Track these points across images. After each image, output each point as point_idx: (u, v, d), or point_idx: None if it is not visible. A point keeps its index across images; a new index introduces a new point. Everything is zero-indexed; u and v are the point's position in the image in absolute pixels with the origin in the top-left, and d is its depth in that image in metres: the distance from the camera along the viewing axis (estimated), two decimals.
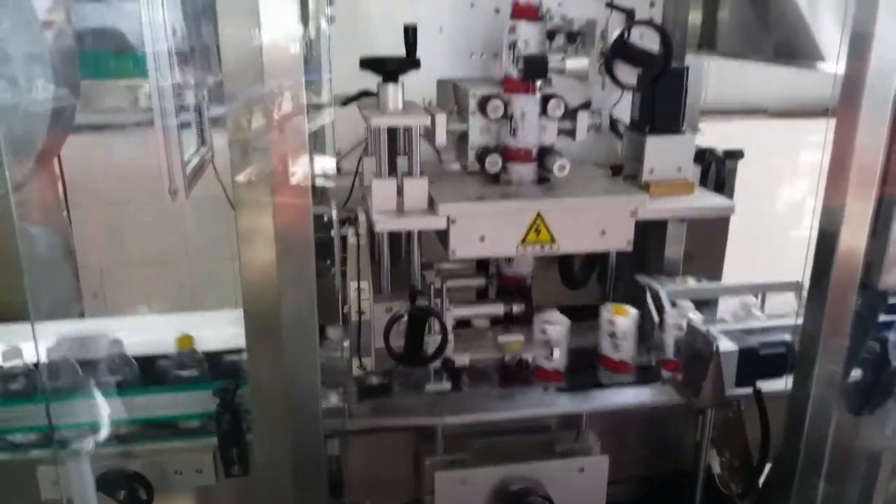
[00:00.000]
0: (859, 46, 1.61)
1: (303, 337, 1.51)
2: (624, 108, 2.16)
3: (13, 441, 1.88)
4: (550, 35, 1.96)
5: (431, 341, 1.90)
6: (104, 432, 1.88)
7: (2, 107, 1.70)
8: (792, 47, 2.10)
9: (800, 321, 1.89)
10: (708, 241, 2.51)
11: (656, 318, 2.16)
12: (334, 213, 1.89)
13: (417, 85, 1.96)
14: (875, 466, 2.30)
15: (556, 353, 2.04)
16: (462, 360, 1.97)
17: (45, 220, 3.11)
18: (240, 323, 1.50)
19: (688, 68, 2.01)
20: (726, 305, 2.35)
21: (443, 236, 1.86)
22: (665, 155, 2.01)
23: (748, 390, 2.00)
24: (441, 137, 1.88)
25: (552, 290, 2.32)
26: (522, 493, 1.93)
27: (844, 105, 1.67)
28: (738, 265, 2.65)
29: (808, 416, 1.87)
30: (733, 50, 2.35)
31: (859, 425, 2.21)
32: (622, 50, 1.85)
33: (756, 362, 2.00)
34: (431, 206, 1.84)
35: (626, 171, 2.10)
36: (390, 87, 1.81)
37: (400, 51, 1.84)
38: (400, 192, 1.83)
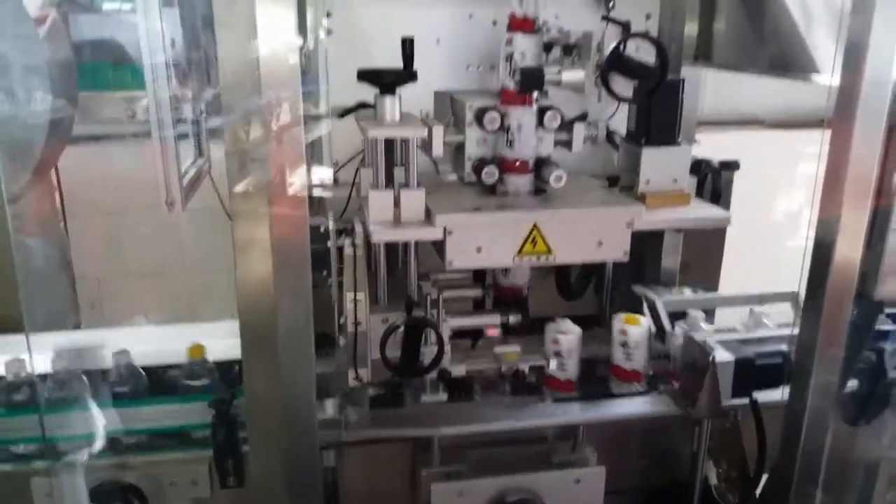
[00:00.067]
0: (854, 58, 1.63)
1: (299, 348, 1.51)
2: (620, 119, 2.17)
3: (15, 452, 1.87)
4: (547, 47, 1.98)
5: (428, 352, 1.90)
6: (101, 443, 1.87)
7: None
8: (787, 59, 2.12)
9: (796, 331, 1.90)
10: (705, 252, 2.51)
11: (653, 329, 2.16)
12: (331, 224, 1.89)
13: (415, 96, 1.96)
14: (872, 477, 2.30)
15: (569, 362, 2.04)
16: (458, 370, 1.96)
17: (42, 232, 3.11)
18: (236, 334, 1.50)
19: (683, 80, 2.02)
20: (736, 314, 2.35)
21: (439, 247, 1.86)
22: (661, 166, 2.02)
23: (745, 401, 2.00)
24: (438, 149, 1.89)
25: (549, 301, 2.32)
26: None
27: (839, 116, 1.68)
28: (736, 275, 2.65)
29: (805, 427, 1.87)
30: (729, 62, 2.37)
31: (856, 435, 2.21)
32: (618, 62, 1.86)
33: (752, 373, 2.00)
34: (428, 217, 1.84)
35: (623, 182, 2.11)
36: (387, 99, 1.82)
37: (398, 62, 1.85)
38: (397, 203, 1.84)
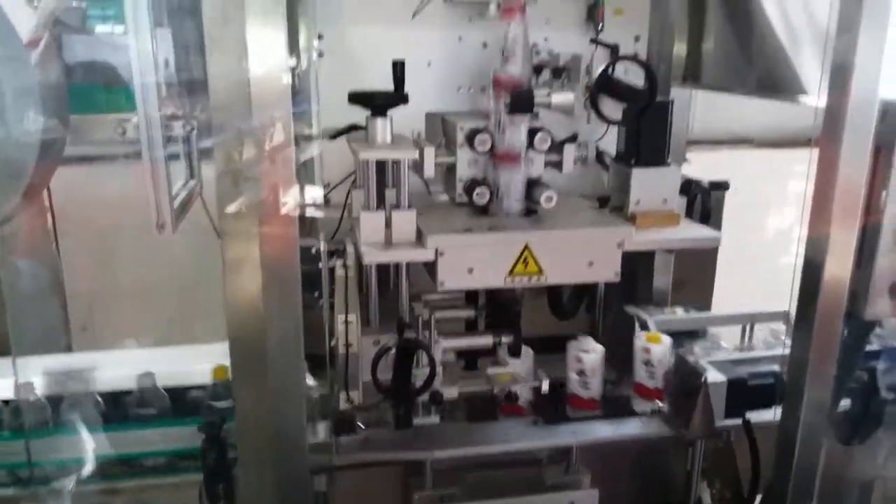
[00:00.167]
0: (840, 78, 1.65)
1: (289, 370, 1.50)
2: (610, 140, 2.18)
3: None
4: (537, 70, 1.99)
5: (420, 374, 1.89)
6: (89, 468, 1.86)
7: None
8: (774, 80, 2.14)
9: (787, 351, 1.90)
10: (697, 271, 2.52)
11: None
12: (322, 246, 1.89)
13: (407, 118, 1.98)
14: (867, 496, 2.30)
15: (593, 381, 2.06)
16: (451, 392, 1.95)
17: (34, 253, 3.09)
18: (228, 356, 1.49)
19: (672, 102, 2.04)
20: (756, 333, 2.35)
21: (431, 268, 1.86)
22: (651, 187, 2.03)
23: (738, 421, 2.00)
24: (429, 170, 1.89)
25: (542, 321, 2.32)
26: None
27: (826, 136, 1.70)
28: (729, 293, 2.66)
29: (798, 447, 1.86)
30: (717, 83, 2.39)
31: (850, 455, 2.21)
32: (607, 85, 1.87)
33: (745, 393, 2.00)
34: (419, 238, 1.84)
35: (613, 203, 2.12)
36: (379, 121, 1.83)
37: (389, 85, 1.86)
38: (388, 224, 1.84)
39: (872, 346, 2.16)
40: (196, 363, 2.10)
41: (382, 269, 2.04)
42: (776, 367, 2.05)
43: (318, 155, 2.15)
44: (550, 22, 2.26)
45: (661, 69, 2.33)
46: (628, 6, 2.31)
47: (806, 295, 1.80)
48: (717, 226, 2.24)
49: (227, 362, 1.50)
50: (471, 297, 2.19)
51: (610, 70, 1.88)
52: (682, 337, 2.24)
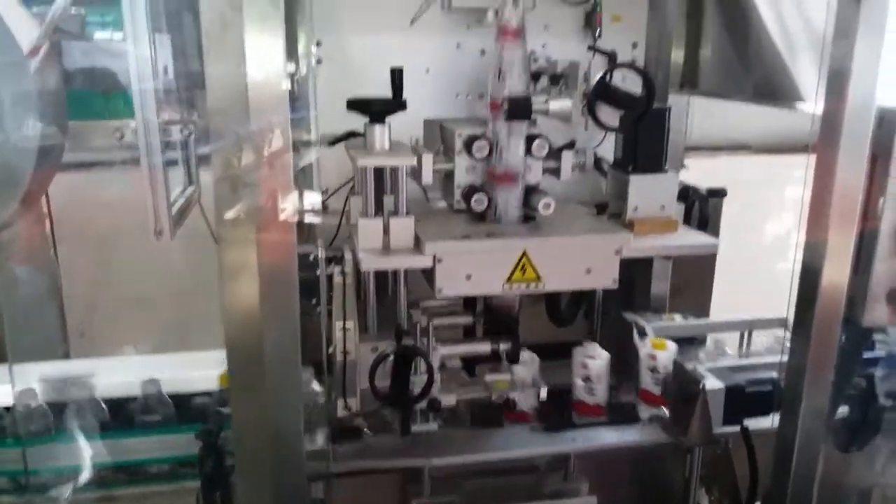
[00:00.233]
0: (837, 85, 1.65)
1: (286, 377, 1.50)
2: (608, 147, 2.19)
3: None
4: (535, 76, 2.00)
5: (418, 381, 1.89)
6: (86, 475, 1.85)
7: None
8: (772, 87, 2.14)
9: (785, 358, 1.90)
10: (695, 277, 2.52)
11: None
12: (321, 252, 1.89)
13: (405, 124, 1.98)
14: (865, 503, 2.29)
15: (599, 387, 2.07)
16: (449, 399, 1.95)
17: (32, 259, 3.09)
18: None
19: (670, 108, 2.04)
20: (759, 339, 2.36)
21: (429, 275, 1.86)
22: (649, 193, 2.03)
23: (736, 428, 1.99)
24: (428, 177, 1.89)
25: (539, 328, 2.31)
26: None
27: (823, 143, 1.70)
28: (728, 298, 2.66)
29: (796, 454, 1.86)
30: (715, 89, 2.40)
31: (848, 462, 2.21)
32: (604, 92, 1.88)
33: (743, 400, 2.00)
34: (417, 244, 1.84)
35: (611, 210, 2.12)
36: (377, 127, 1.83)
37: (387, 91, 1.86)
38: (386, 230, 1.84)
39: (871, 352, 2.16)
40: (199, 369, 2.09)
41: (380, 275, 2.04)
42: (774, 374, 2.05)
43: (315, 161, 2.15)
44: (549, 28, 2.27)
45: (658, 76, 2.34)
46: (626, 13, 2.32)
47: (803, 301, 1.80)
48: (715, 232, 2.24)
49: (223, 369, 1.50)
50: (469, 303, 2.19)
51: (607, 77, 1.89)
52: (684, 343, 2.24)
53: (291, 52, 2.08)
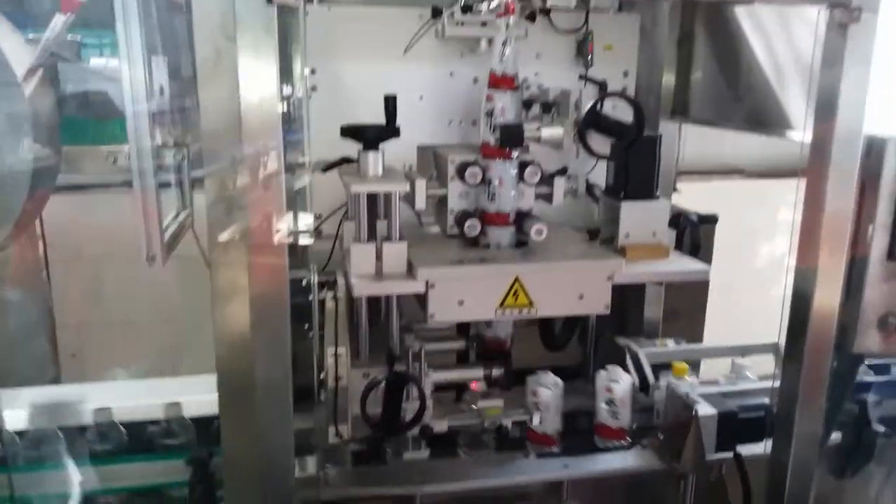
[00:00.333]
0: (825, 113, 1.67)
1: (277, 403, 1.50)
2: (600, 173, 2.20)
3: None
4: (527, 104, 2.02)
5: (410, 407, 1.89)
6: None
7: None
8: (761, 115, 2.17)
9: (777, 383, 1.90)
10: (688, 302, 2.53)
11: (636, 381, 2.16)
12: (314, 277, 1.89)
13: (399, 150, 1.99)
14: None
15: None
16: (440, 426, 1.94)
17: (24, 282, 3.08)
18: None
19: (660, 136, 2.06)
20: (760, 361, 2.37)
21: (422, 300, 1.86)
22: (640, 220, 2.04)
23: (729, 454, 1.99)
24: (421, 202, 1.90)
25: (533, 352, 2.31)
26: None
27: (813, 171, 1.72)
28: (722, 322, 2.66)
29: (789, 480, 1.86)
30: (706, 117, 2.42)
31: (842, 488, 2.20)
32: (595, 121, 1.90)
33: (736, 426, 1.99)
34: (410, 270, 1.84)
35: (603, 235, 2.13)
36: (370, 154, 1.84)
37: (382, 117, 1.87)
38: (379, 256, 1.84)
39: (864, 378, 2.17)
40: (189, 394, 2.08)
41: (373, 300, 2.04)
42: (766, 400, 2.05)
43: (309, 186, 2.16)
44: (540, 57, 2.30)
45: (649, 104, 2.36)
46: (617, 42, 2.35)
47: (795, 327, 1.81)
48: (707, 258, 2.25)
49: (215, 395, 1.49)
50: (462, 328, 2.19)
51: (598, 106, 1.91)
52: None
53: (286, 75, 2.09)
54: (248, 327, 1.44)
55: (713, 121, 2.39)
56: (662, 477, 2.06)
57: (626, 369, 2.18)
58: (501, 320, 2.05)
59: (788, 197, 1.81)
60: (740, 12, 2.22)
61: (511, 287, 1.87)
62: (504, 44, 1.84)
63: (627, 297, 2.37)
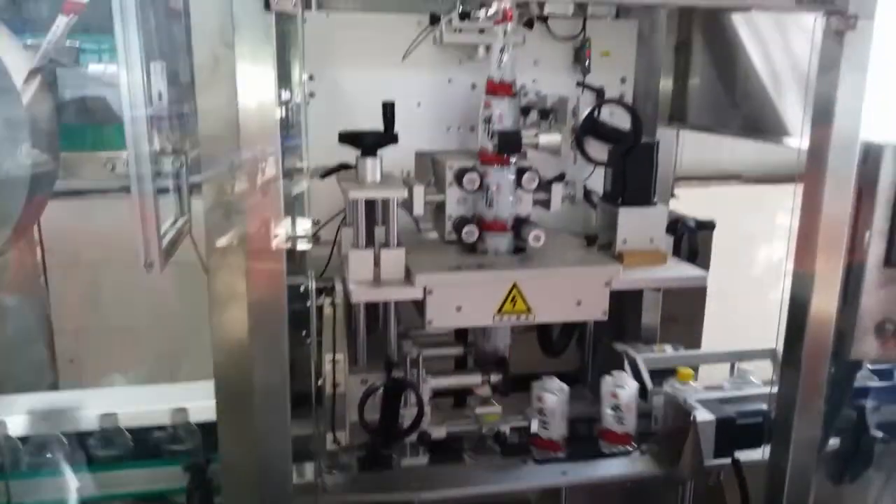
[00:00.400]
0: (822, 120, 1.68)
1: (275, 409, 1.50)
2: (598, 178, 2.21)
3: None
4: (525, 111, 2.02)
5: (408, 414, 1.88)
6: None
7: None
8: (759, 122, 2.18)
9: (776, 389, 1.90)
10: (686, 307, 2.53)
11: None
12: (312, 284, 1.89)
13: (397, 156, 1.99)
14: None
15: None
16: (439, 432, 1.94)
17: (22, 288, 3.08)
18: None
19: (658, 143, 2.06)
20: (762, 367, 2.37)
21: (420, 306, 1.86)
22: (638, 226, 2.04)
23: (727, 460, 1.99)
24: (419, 208, 1.91)
25: (531, 358, 2.31)
26: None
27: (810, 178, 1.72)
28: (721, 326, 2.67)
29: (787, 486, 1.86)
30: (703, 123, 2.43)
31: (841, 494, 2.20)
32: (592, 128, 1.90)
33: (734, 432, 2.00)
34: (408, 276, 1.84)
35: (601, 241, 2.13)
36: (368, 160, 1.84)
37: (380, 123, 1.88)
38: (377, 262, 1.84)
39: (862, 383, 2.17)
40: (189, 401, 2.07)
41: (371, 306, 2.04)
42: (764, 406, 2.05)
43: (307, 192, 2.16)
44: (538, 64, 2.30)
45: (647, 110, 2.37)
46: (615, 48, 2.36)
47: (792, 333, 1.81)
48: (705, 264, 2.25)
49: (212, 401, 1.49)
50: (460, 334, 2.19)
51: (595, 113, 1.91)
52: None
53: (285, 81, 2.10)
54: (246, 333, 1.44)
55: (711, 127, 2.40)
56: (661, 483, 2.06)
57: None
58: (499, 326, 2.05)
59: (786, 202, 1.82)
60: (737, 19, 2.23)
61: (509, 293, 1.87)
62: (502, 50, 1.85)
63: (625, 303, 2.37)
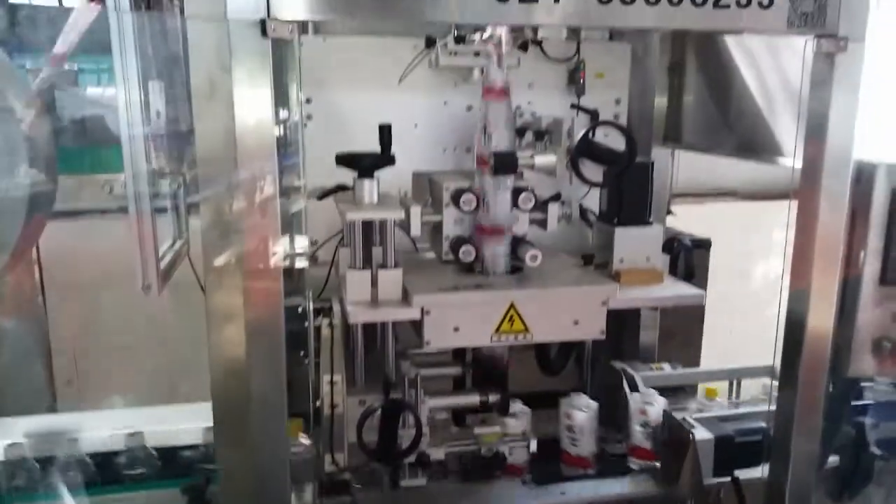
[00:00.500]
0: (814, 139, 1.69)
1: (272, 430, 1.49)
2: (594, 198, 2.22)
3: None
4: (520, 132, 2.04)
5: (406, 435, 1.88)
6: None
7: None
8: (752, 142, 2.19)
9: (773, 407, 1.90)
10: (684, 325, 2.54)
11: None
12: (309, 305, 1.89)
13: (394, 177, 2.00)
14: None
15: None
16: (437, 453, 1.94)
17: (20, 310, 3.08)
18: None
19: (653, 163, 2.08)
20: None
21: (417, 326, 1.86)
22: (634, 245, 2.05)
23: (726, 478, 1.98)
24: (416, 229, 1.91)
25: (529, 377, 2.31)
26: None
27: (804, 197, 1.73)
28: (719, 342, 2.67)
29: (787, 503, 1.85)
30: (698, 144, 2.45)
31: None
32: (587, 149, 1.92)
33: (733, 450, 1.99)
34: (406, 296, 1.85)
35: (598, 260, 2.14)
36: (366, 182, 1.85)
37: (377, 144, 1.89)
38: (374, 282, 1.85)
39: (861, 400, 2.17)
40: (185, 422, 2.07)
41: (369, 326, 2.04)
42: (763, 424, 2.05)
43: (304, 214, 2.17)
44: (533, 86, 2.33)
45: (641, 130, 2.38)
46: (609, 70, 2.38)
47: (789, 350, 1.81)
48: (702, 283, 2.26)
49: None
50: (458, 353, 2.19)
51: (590, 135, 1.93)
52: (673, 392, 2.24)
53: (282, 102, 2.11)
54: (244, 352, 1.44)
55: (705, 147, 2.42)
56: (660, 502, 2.05)
57: (623, 393, 2.18)
58: (497, 346, 2.05)
59: (782, 218, 1.83)
60: (730, 41, 2.26)
61: (506, 313, 1.87)
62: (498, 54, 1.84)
63: (623, 322, 2.37)
